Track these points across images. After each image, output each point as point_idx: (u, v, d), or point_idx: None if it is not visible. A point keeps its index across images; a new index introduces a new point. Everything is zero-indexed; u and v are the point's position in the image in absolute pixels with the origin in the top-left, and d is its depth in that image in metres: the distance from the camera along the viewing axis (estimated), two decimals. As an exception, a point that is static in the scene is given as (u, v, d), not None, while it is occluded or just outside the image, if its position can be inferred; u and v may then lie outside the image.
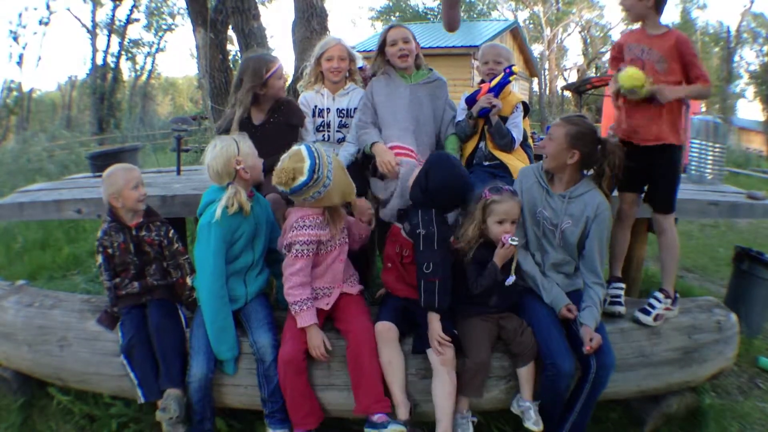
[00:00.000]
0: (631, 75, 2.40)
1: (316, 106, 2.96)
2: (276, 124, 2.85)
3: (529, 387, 2.21)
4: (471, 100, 2.90)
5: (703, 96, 2.47)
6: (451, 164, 2.34)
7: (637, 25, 2.56)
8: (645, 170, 2.53)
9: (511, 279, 2.24)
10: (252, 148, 2.35)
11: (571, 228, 2.32)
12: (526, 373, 2.21)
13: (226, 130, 2.78)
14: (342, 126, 2.96)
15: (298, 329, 2.22)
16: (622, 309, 2.50)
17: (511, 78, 2.80)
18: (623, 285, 2.62)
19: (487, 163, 2.88)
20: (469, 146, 2.96)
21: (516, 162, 2.86)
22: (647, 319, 2.43)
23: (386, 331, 2.24)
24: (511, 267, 2.25)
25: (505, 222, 2.22)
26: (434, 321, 2.19)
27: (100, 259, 2.44)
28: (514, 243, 2.18)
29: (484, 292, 2.24)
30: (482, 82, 2.98)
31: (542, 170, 2.42)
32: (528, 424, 2.17)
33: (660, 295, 2.49)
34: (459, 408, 2.19)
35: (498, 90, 2.81)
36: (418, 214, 2.25)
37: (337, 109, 2.94)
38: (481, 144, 2.90)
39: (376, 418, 2.09)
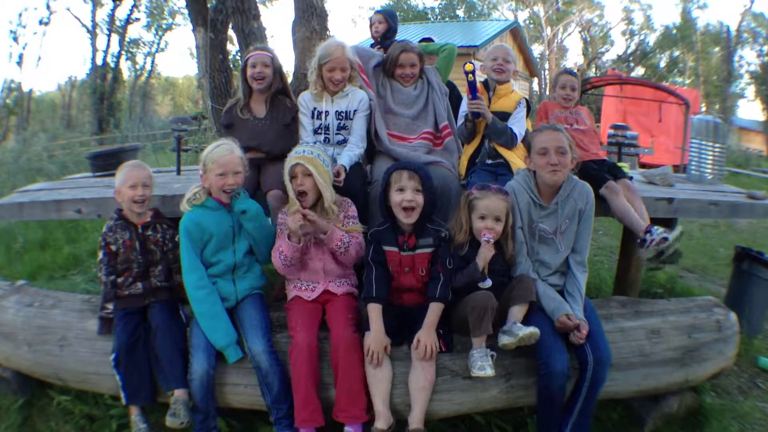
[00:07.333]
0: None
1: (315, 108, 2.93)
2: (276, 121, 2.94)
3: (518, 318, 2.16)
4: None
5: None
6: None
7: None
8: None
9: (488, 282, 2.24)
10: (229, 160, 2.33)
11: (570, 225, 2.36)
12: (517, 309, 2.18)
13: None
14: (341, 128, 2.95)
15: (307, 319, 2.27)
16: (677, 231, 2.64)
17: (470, 77, 2.78)
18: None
19: (489, 162, 2.89)
20: (473, 145, 2.97)
21: (517, 160, 2.87)
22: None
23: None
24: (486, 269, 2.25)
25: (487, 218, 2.23)
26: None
27: (101, 254, 2.44)
28: (490, 240, 2.20)
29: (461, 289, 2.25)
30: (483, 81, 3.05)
31: (535, 184, 2.38)
32: (503, 340, 2.10)
33: (660, 228, 2.64)
34: (475, 345, 2.16)
35: (473, 90, 2.83)
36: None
37: (336, 111, 2.92)
38: (485, 141, 2.92)
39: (347, 430, 2.13)
